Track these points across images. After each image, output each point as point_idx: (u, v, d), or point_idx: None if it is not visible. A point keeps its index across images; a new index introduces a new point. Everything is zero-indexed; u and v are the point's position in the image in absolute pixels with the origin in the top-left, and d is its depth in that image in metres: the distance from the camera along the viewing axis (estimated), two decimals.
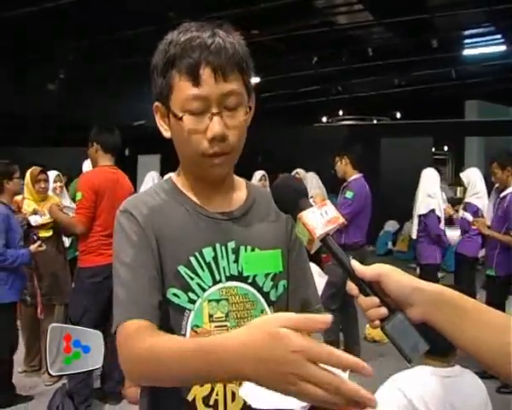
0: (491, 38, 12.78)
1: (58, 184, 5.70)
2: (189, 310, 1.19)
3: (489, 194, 5.84)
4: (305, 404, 0.82)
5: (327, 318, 0.80)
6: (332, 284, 4.79)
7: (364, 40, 12.79)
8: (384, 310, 0.95)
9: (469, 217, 5.70)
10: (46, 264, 4.78)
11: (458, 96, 16.35)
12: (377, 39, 12.79)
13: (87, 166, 5.83)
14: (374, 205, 5.52)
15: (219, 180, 1.25)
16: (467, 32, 12.67)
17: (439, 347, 1.37)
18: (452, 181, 14.89)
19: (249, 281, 1.23)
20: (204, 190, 1.25)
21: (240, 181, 1.34)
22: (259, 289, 1.24)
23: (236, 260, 1.22)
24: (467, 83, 15.35)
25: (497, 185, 5.47)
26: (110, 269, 1.19)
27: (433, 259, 5.60)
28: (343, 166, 5.42)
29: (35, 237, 4.57)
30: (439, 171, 6.45)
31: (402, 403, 1.87)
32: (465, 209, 5.87)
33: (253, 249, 1.24)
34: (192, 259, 1.19)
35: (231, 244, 1.23)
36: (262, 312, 1.24)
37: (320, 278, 4.68)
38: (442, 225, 5.72)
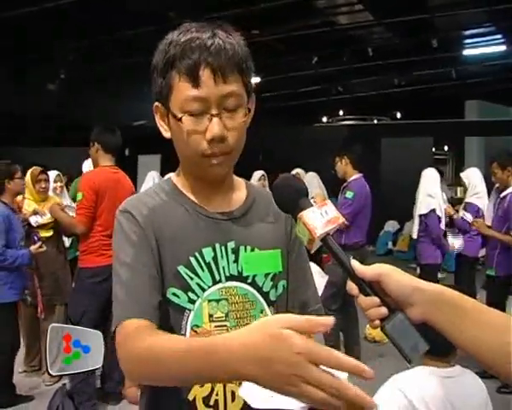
0: (491, 37, 12.79)
1: (58, 184, 5.69)
2: (189, 310, 1.19)
3: (489, 194, 5.84)
4: (304, 404, 0.82)
5: (328, 320, 0.80)
6: (332, 283, 4.79)
7: (365, 40, 12.80)
8: (384, 310, 0.95)
9: (470, 217, 5.71)
10: (46, 264, 4.78)
11: (458, 96, 16.35)
12: (377, 39, 12.80)
13: (87, 166, 5.82)
14: (374, 205, 5.51)
15: (219, 180, 1.25)
16: (467, 32, 12.67)
17: (440, 347, 1.37)
18: (453, 181, 14.88)
19: (249, 281, 1.23)
20: (204, 190, 1.25)
21: (239, 181, 1.34)
22: (259, 289, 1.24)
23: (236, 260, 1.23)
24: (467, 83, 15.36)
25: (497, 185, 5.47)
26: (110, 270, 1.19)
27: (433, 259, 5.59)
28: (343, 166, 5.41)
29: (36, 238, 4.56)
30: (440, 171, 6.45)
31: (402, 404, 1.87)
32: (465, 209, 5.87)
33: (252, 249, 1.25)
34: (192, 259, 1.19)
35: (231, 244, 1.23)
36: (261, 312, 1.24)
37: (321, 278, 4.68)
38: (443, 225, 5.72)
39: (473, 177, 6.02)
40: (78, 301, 4.14)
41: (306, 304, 1.33)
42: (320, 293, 1.52)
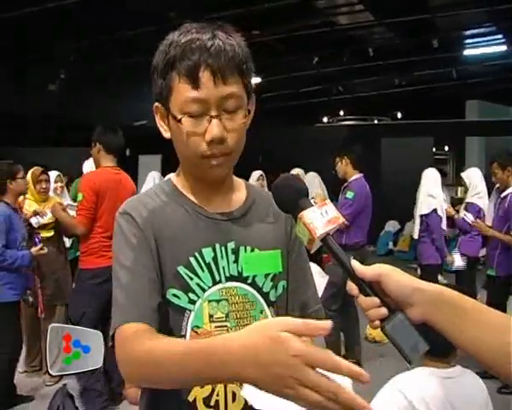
0: (491, 38, 12.79)
1: (59, 184, 5.70)
2: (190, 311, 1.19)
3: (489, 194, 5.84)
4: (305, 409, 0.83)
5: (326, 324, 0.80)
6: (333, 284, 4.79)
7: (365, 40, 12.80)
8: (384, 310, 0.95)
9: (471, 217, 5.70)
10: (47, 264, 4.78)
11: (459, 96, 16.35)
12: (378, 39, 12.80)
13: (87, 166, 5.82)
14: (374, 205, 5.51)
15: (219, 181, 1.25)
16: (467, 32, 12.68)
17: (440, 347, 1.37)
18: (453, 181, 14.88)
19: (249, 281, 1.23)
20: (203, 191, 1.25)
21: (239, 182, 1.34)
22: (259, 290, 1.24)
23: (236, 261, 1.22)
24: (467, 83, 15.36)
25: (497, 185, 5.47)
26: (111, 271, 1.19)
27: (434, 259, 5.59)
28: (343, 166, 5.41)
29: (37, 241, 4.55)
30: (441, 171, 6.44)
31: (402, 405, 1.87)
32: (467, 209, 5.87)
33: (252, 250, 1.24)
34: (192, 259, 1.19)
35: (231, 245, 1.23)
36: (261, 312, 1.24)
37: (321, 279, 4.68)
38: (444, 225, 5.72)
39: (473, 177, 6.02)
40: (78, 302, 4.14)
41: (306, 305, 1.33)
42: (320, 293, 1.52)
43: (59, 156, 10.85)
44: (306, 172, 7.15)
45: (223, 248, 1.22)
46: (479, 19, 11.38)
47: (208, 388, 1.18)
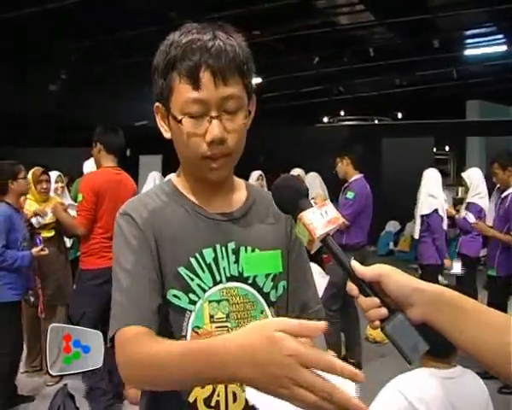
0: (492, 38, 12.78)
1: (59, 184, 5.69)
2: (190, 311, 1.19)
3: (490, 194, 5.84)
4: None
5: (321, 325, 0.80)
6: (333, 284, 4.79)
7: (366, 40, 12.79)
8: (384, 310, 0.95)
9: (472, 217, 5.70)
10: (47, 264, 4.77)
11: (459, 97, 16.35)
12: (379, 39, 12.79)
13: (88, 166, 5.82)
14: (375, 205, 5.51)
15: (219, 182, 1.24)
16: (468, 32, 12.67)
17: (440, 348, 1.37)
18: (454, 181, 14.88)
19: (249, 282, 1.23)
20: (204, 192, 1.25)
21: (239, 182, 1.34)
22: (259, 290, 1.24)
23: (237, 261, 1.22)
24: (468, 83, 15.36)
25: (498, 186, 5.47)
26: (111, 272, 1.19)
27: (434, 259, 5.59)
28: (344, 166, 5.40)
29: (38, 241, 4.54)
30: (441, 171, 6.43)
31: (403, 405, 1.87)
32: (468, 209, 5.87)
33: (253, 250, 1.24)
34: (192, 260, 1.19)
35: (231, 245, 1.23)
36: (262, 312, 1.24)
37: (322, 279, 4.68)
38: (445, 226, 5.72)
39: (474, 177, 6.01)
40: (78, 302, 4.13)
41: (306, 305, 1.33)
42: (321, 294, 1.52)
43: (59, 156, 10.85)
44: (307, 172, 7.14)
45: (223, 249, 1.22)
46: (479, 19, 11.37)
47: (209, 388, 1.18)
